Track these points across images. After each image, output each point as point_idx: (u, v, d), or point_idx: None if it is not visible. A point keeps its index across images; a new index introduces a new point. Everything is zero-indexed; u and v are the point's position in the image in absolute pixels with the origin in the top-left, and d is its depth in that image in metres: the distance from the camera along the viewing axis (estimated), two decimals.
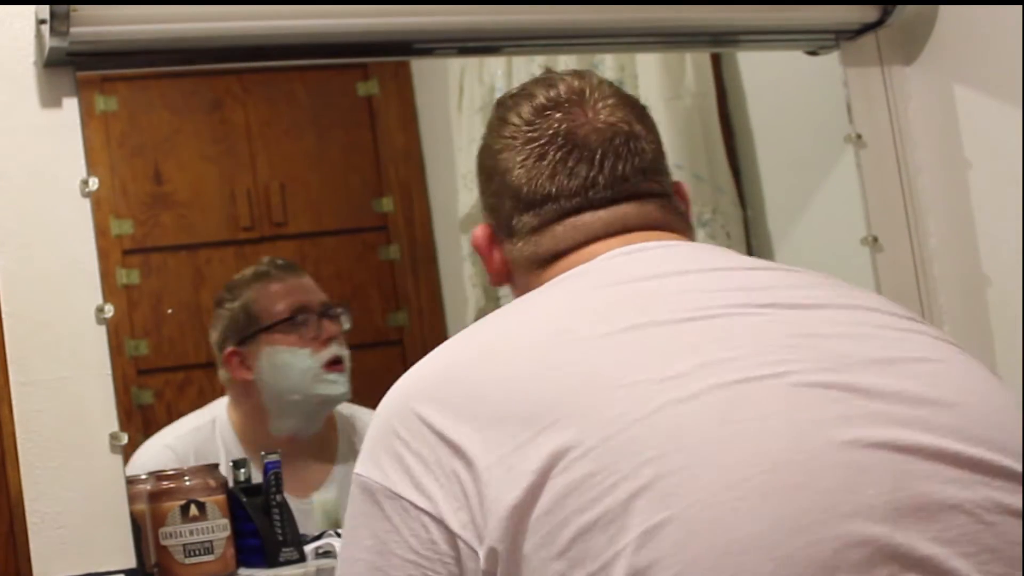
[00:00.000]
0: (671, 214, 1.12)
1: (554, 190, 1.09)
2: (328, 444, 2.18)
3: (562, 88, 1.13)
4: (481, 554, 0.88)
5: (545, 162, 1.10)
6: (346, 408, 2.21)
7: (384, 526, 0.93)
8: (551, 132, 1.10)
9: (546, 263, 1.10)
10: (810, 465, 0.86)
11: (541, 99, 1.13)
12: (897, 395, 0.91)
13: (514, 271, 1.14)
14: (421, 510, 0.91)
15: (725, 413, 0.88)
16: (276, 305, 2.09)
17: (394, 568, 0.92)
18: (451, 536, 0.90)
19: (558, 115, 1.11)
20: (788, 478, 0.85)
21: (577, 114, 1.11)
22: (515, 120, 1.13)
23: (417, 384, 0.98)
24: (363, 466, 0.97)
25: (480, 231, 1.16)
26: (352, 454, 2.16)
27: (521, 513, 0.87)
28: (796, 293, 1.01)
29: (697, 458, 0.85)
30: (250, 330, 2.09)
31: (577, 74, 1.15)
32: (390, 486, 0.93)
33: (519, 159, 1.11)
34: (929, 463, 0.87)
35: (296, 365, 2.06)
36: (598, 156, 1.10)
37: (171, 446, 2.12)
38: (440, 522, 0.90)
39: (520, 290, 1.13)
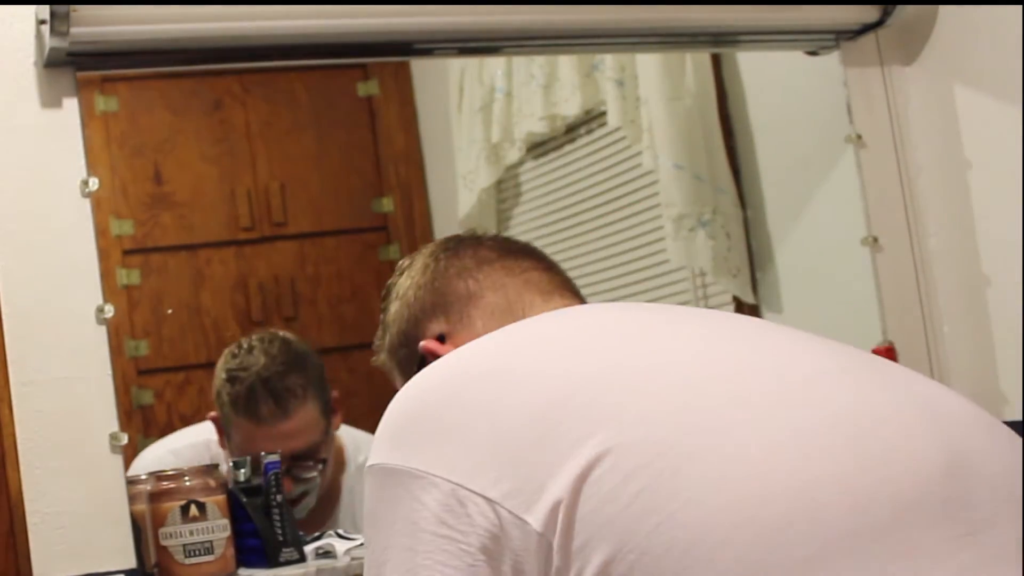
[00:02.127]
0: None
1: None
2: (335, 483, 2.16)
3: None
4: (535, 518, 0.86)
5: None
6: (346, 434, 2.19)
7: (412, 506, 0.91)
8: None
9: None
10: (872, 415, 0.90)
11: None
12: (912, 382, 0.97)
13: None
14: (454, 483, 0.89)
15: (782, 373, 0.93)
16: (249, 449, 2.00)
17: (424, 544, 0.89)
18: (491, 505, 0.88)
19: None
20: (855, 423, 0.89)
21: None
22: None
23: (443, 374, 0.99)
24: (381, 455, 0.95)
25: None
26: (357, 472, 2.15)
27: (584, 471, 0.86)
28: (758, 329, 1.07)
29: (762, 412, 0.88)
30: (227, 427, 2.08)
31: None
32: (416, 466, 0.92)
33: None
34: (964, 426, 0.92)
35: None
36: None
37: (175, 452, 2.12)
38: (477, 493, 0.88)
39: None
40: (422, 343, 1.18)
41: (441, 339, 1.18)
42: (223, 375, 2.06)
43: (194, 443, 2.15)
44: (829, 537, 0.82)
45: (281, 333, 2.14)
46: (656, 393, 0.90)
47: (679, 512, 0.83)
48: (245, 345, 2.08)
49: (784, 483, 0.84)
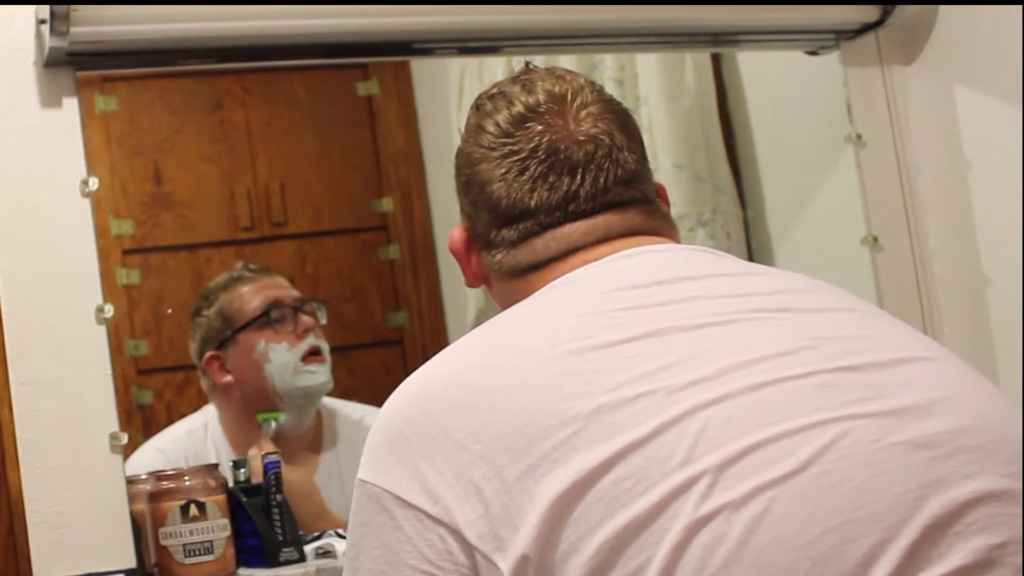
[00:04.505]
0: (654, 218, 1.10)
1: (534, 205, 1.07)
2: (315, 438, 2.18)
3: (541, 95, 1.09)
4: (505, 566, 0.86)
5: (525, 176, 1.07)
6: (327, 401, 2.21)
7: (396, 535, 0.91)
8: (531, 146, 1.07)
9: (525, 273, 1.09)
10: (839, 464, 0.86)
11: (519, 107, 1.09)
12: (911, 391, 0.92)
13: (491, 278, 1.14)
14: (436, 520, 0.89)
15: (755, 415, 0.88)
16: (249, 304, 2.10)
17: None
18: (468, 547, 0.88)
19: (539, 127, 1.08)
20: (819, 478, 0.85)
21: (558, 126, 1.08)
22: (492, 129, 1.10)
23: (428, 388, 0.97)
24: (370, 473, 0.94)
25: (457, 235, 1.14)
26: (334, 441, 2.17)
27: (553, 521, 0.85)
28: (803, 297, 1.01)
29: (727, 460, 0.86)
30: (226, 332, 2.10)
31: (556, 77, 1.11)
32: (401, 494, 0.91)
33: (498, 172, 1.08)
34: (950, 460, 0.88)
35: (274, 360, 2.06)
36: (580, 170, 1.07)
37: (162, 449, 2.12)
38: (456, 532, 0.89)
39: (497, 295, 1.13)
40: (455, 232, 1.14)
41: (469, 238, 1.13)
42: (210, 284, 2.20)
43: (177, 436, 2.17)
44: None
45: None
46: (627, 434, 0.87)
47: (642, 571, 0.83)
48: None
49: (744, 544, 0.83)
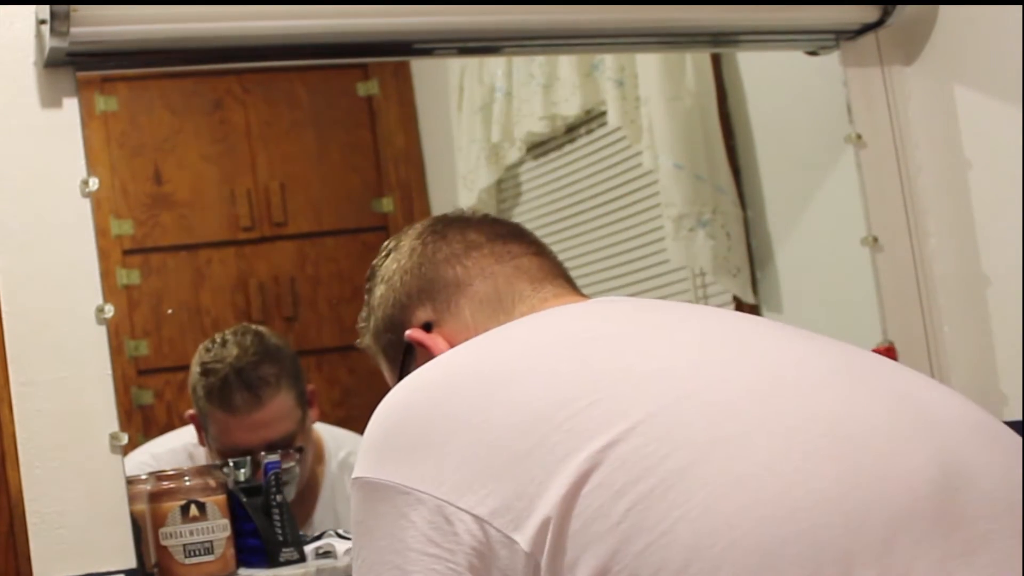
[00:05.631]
0: None
1: None
2: (314, 476, 2.16)
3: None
4: (523, 537, 0.85)
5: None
6: (326, 431, 2.20)
7: (399, 523, 0.90)
8: None
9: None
10: (863, 427, 0.88)
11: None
12: (910, 386, 0.96)
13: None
14: (441, 500, 0.88)
15: (774, 385, 0.91)
16: (226, 441, 2.03)
17: (413, 563, 0.89)
18: (479, 523, 0.87)
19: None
20: (845, 441, 0.87)
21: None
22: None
23: (427, 381, 0.97)
24: (367, 468, 0.94)
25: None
26: (337, 469, 2.15)
27: (574, 489, 0.84)
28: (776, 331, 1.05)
29: (753, 426, 0.87)
30: (202, 421, 2.08)
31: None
32: (402, 481, 0.91)
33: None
34: (962, 435, 0.91)
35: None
36: None
37: (156, 456, 2.12)
38: (465, 511, 0.87)
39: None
40: (408, 332, 1.16)
41: (427, 327, 1.16)
42: (198, 369, 2.07)
43: (173, 448, 2.15)
44: (822, 560, 0.81)
45: (254, 327, 2.15)
46: (644, 405, 0.88)
47: (669, 533, 0.82)
48: (219, 339, 2.09)
49: (776, 503, 0.83)
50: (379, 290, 1.21)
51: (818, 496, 0.83)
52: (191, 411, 2.10)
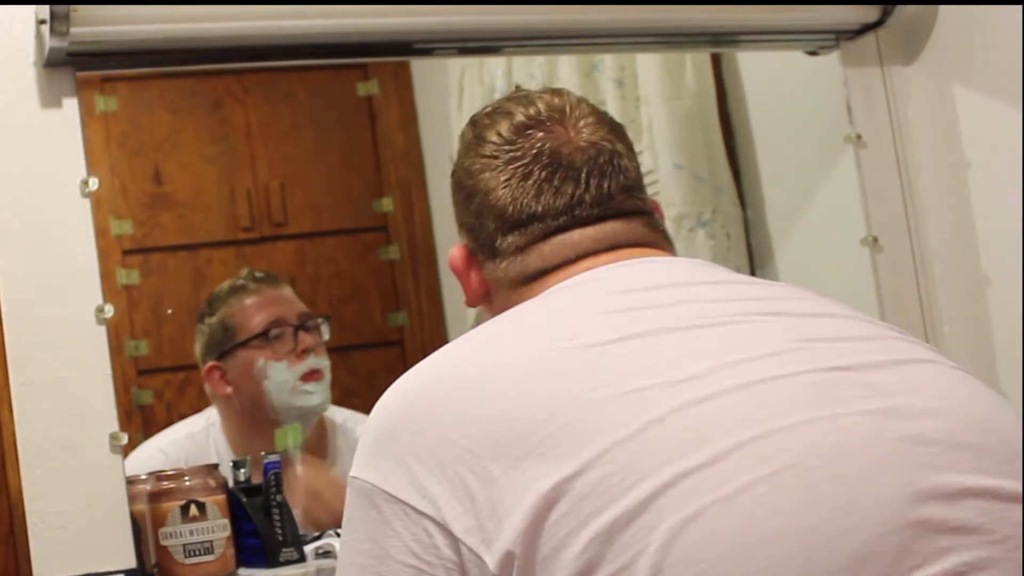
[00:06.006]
0: (655, 232, 1.13)
1: (540, 209, 1.09)
2: (320, 451, 2.18)
3: (541, 106, 1.12)
4: (491, 560, 0.86)
5: (530, 181, 1.09)
6: (337, 413, 2.21)
7: (383, 531, 0.92)
8: (534, 151, 1.10)
9: (532, 280, 1.09)
10: (833, 459, 0.86)
11: (520, 117, 1.11)
12: (906, 392, 0.92)
13: (495, 292, 1.14)
14: (423, 514, 0.90)
15: (745, 412, 0.88)
16: (252, 319, 2.09)
17: (393, 573, 0.91)
18: (454, 541, 0.89)
19: (540, 134, 1.10)
20: (812, 472, 0.85)
21: (559, 132, 1.10)
22: (494, 139, 1.12)
23: (419, 386, 0.97)
24: (360, 469, 0.96)
25: (457, 252, 1.15)
26: (340, 457, 2.16)
27: (538, 517, 0.85)
28: (797, 303, 1.02)
29: (720, 454, 0.85)
30: (227, 345, 2.10)
31: (554, 92, 1.14)
32: (389, 489, 0.92)
33: (502, 179, 1.10)
34: (946, 456, 0.88)
35: (273, 378, 2.07)
36: (583, 174, 1.09)
37: (163, 450, 2.13)
38: (443, 526, 0.89)
39: (500, 307, 1.12)
40: (454, 251, 1.15)
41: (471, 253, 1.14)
42: (204, 303, 2.18)
43: (177, 439, 2.17)
44: None
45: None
46: (615, 430, 0.87)
47: (631, 566, 0.83)
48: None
49: (735, 540, 0.82)
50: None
51: (779, 534, 0.82)
52: (211, 362, 2.12)
